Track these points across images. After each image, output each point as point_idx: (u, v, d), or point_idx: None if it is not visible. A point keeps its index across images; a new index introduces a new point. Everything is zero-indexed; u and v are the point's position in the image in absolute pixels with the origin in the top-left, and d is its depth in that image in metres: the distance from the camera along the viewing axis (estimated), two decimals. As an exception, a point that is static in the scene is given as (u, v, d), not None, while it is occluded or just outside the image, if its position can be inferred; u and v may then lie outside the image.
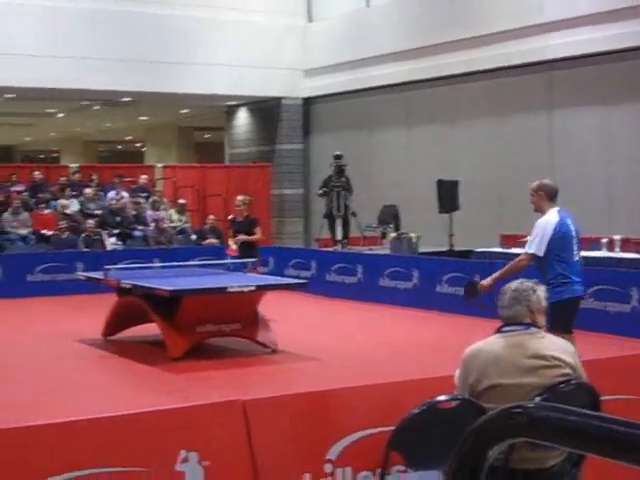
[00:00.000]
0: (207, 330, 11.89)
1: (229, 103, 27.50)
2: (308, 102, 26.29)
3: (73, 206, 22.08)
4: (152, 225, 21.63)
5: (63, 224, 20.57)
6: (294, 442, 5.55)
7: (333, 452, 5.58)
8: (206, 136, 39.61)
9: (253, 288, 11.81)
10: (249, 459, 5.34)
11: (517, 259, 9.02)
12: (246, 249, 15.16)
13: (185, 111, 31.97)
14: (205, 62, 24.13)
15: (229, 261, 14.61)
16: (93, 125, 38.30)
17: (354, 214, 20.02)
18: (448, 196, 18.72)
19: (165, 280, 12.57)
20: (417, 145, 22.85)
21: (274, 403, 5.75)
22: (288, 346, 12.11)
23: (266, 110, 26.56)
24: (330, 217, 20.20)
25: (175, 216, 22.74)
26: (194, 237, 21.87)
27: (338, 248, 19.70)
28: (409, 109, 23.06)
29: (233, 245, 15.31)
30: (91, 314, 14.37)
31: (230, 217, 16.15)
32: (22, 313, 16.56)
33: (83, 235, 20.43)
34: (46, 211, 21.44)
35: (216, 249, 19.26)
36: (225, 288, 11.72)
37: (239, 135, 27.96)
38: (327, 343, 11.19)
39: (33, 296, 18.16)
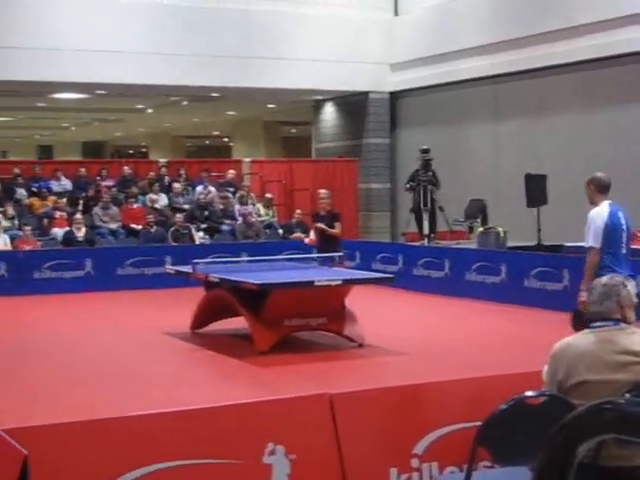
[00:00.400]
0: (294, 324, 11.92)
1: (316, 97, 27.55)
2: (395, 96, 26.21)
3: (162, 200, 22.34)
4: (240, 219, 21.77)
5: (152, 218, 20.81)
6: (381, 436, 5.55)
7: (419, 447, 5.56)
8: (293, 131, 39.73)
9: (340, 282, 11.81)
10: (336, 453, 5.36)
11: (588, 259, 9.01)
12: (326, 243, 15.16)
13: (272, 106, 32.10)
14: (292, 57, 24.19)
15: (316, 255, 14.63)
16: (181, 120, 38.66)
17: (441, 208, 19.91)
18: (536, 190, 18.52)
19: (253, 274, 12.63)
20: (505, 138, 22.65)
21: (361, 397, 5.75)
22: (375, 340, 12.10)
23: (353, 104, 26.55)
24: (417, 211, 20.12)
25: (262, 210, 22.87)
26: (281, 231, 21.97)
27: (425, 242, 19.61)
28: (497, 102, 22.86)
29: (312, 235, 15.34)
30: (179, 307, 14.51)
31: (314, 212, 16.15)
32: (111, 306, 16.80)
33: (172, 229, 20.65)
34: (135, 205, 21.72)
35: (303, 243, 19.33)
36: (312, 282, 11.73)
37: (326, 129, 27.99)
38: (414, 337, 11.15)
39: (122, 289, 18.41)
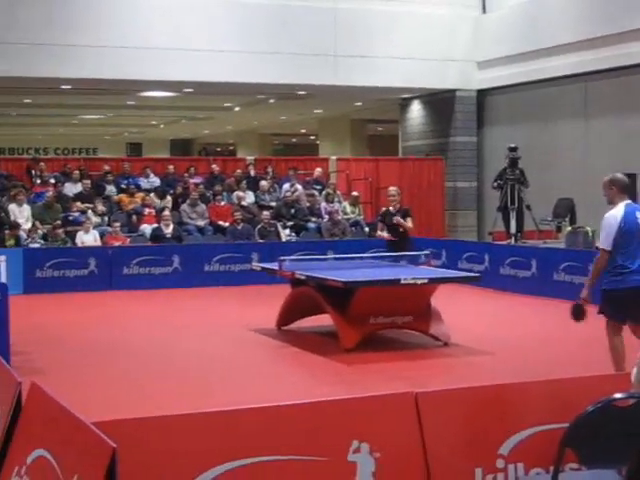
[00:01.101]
0: (380, 322, 11.93)
1: (403, 96, 27.48)
2: (482, 94, 26.03)
3: (249, 198, 22.49)
4: (326, 217, 21.83)
5: (239, 215, 20.96)
6: (466, 436, 5.52)
7: (505, 447, 5.52)
8: (379, 129, 39.68)
9: (426, 281, 11.78)
10: (420, 452, 5.34)
11: (596, 259, 9.17)
12: (400, 240, 15.09)
13: (359, 104, 32.09)
14: (380, 55, 24.15)
15: (402, 254, 14.58)
16: (268, 118, 38.85)
17: (528, 207, 19.73)
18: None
19: (339, 271, 12.65)
20: (594, 137, 22.34)
21: (446, 396, 5.73)
22: (460, 339, 12.05)
23: (440, 102, 26.43)
24: (504, 210, 19.97)
25: (349, 208, 22.89)
26: (367, 229, 21.96)
27: (512, 242, 19.46)
28: (587, 100, 22.56)
29: (382, 232, 15.24)
30: (265, 304, 14.61)
31: (383, 209, 16.05)
32: (198, 302, 16.96)
33: (258, 226, 20.78)
34: (222, 203, 21.89)
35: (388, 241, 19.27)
36: (398, 280, 11.72)
37: (413, 127, 27.90)
38: (500, 337, 11.08)
39: (209, 286, 18.60)
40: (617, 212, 8.98)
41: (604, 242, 8.95)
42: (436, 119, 26.79)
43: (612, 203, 9.16)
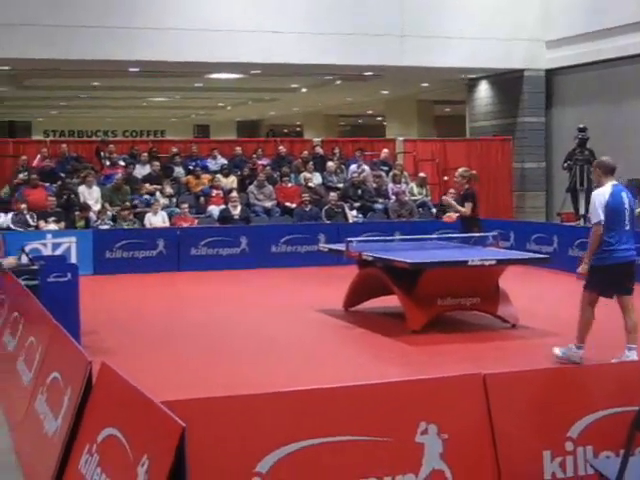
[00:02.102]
0: (447, 303, 11.89)
1: (470, 76, 27.28)
2: (550, 73, 25.72)
3: (316, 179, 22.50)
4: (393, 198, 21.78)
5: (306, 197, 20.98)
6: (534, 418, 5.49)
7: (574, 430, 5.48)
8: (446, 109, 39.45)
9: (494, 262, 11.71)
10: (489, 434, 5.32)
11: (591, 234, 9.66)
12: (464, 222, 14.97)
13: (426, 85, 31.93)
14: (447, 35, 23.97)
15: (469, 235, 14.50)
16: (335, 99, 38.80)
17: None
18: (698, 169, 17.98)
19: (406, 253, 12.62)
20: (666, 117, 22.00)
21: (515, 378, 5.70)
22: (529, 321, 11.98)
23: (508, 82, 26.17)
24: (573, 191, 19.78)
25: (416, 189, 22.80)
26: (434, 210, 21.86)
27: (581, 223, 19.27)
28: (659, 79, 22.21)
29: (452, 215, 15.09)
30: (332, 285, 14.63)
31: (451, 191, 15.91)
32: (266, 283, 17.03)
33: (325, 208, 20.79)
34: (289, 184, 21.93)
35: (456, 223, 19.16)
36: (466, 261, 11.67)
37: (480, 108, 27.69)
38: (569, 319, 10.95)
39: (277, 267, 18.67)
40: (604, 190, 9.56)
41: (595, 216, 9.50)
42: (504, 99, 26.55)
43: (599, 185, 9.79)
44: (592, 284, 9.65)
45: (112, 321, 12.88)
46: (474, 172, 15.73)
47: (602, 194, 9.56)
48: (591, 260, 9.57)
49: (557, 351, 9.95)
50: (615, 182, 9.71)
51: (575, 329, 9.94)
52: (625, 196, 9.65)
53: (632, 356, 9.55)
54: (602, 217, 9.45)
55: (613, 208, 9.49)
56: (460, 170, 15.45)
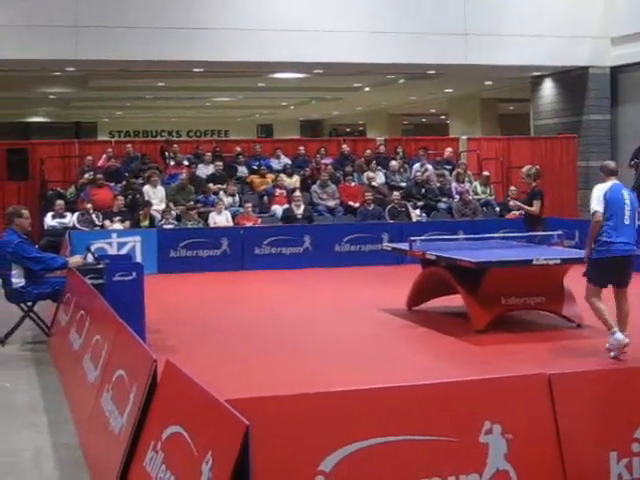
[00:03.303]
0: (511, 303, 11.81)
1: (534, 74, 27.08)
2: (616, 71, 25.44)
3: (379, 178, 22.48)
4: (456, 197, 21.69)
5: (369, 196, 20.97)
6: (600, 419, 5.43)
7: (641, 431, 5.43)
8: (510, 108, 39.22)
9: (558, 261, 11.62)
10: (554, 434, 5.28)
11: (592, 223, 10.19)
12: (529, 221, 14.88)
13: (489, 83, 31.77)
14: (510, 32, 23.82)
15: (533, 234, 14.40)
16: (398, 98, 38.73)
17: (663, 186, 19.28)
18: None
19: (470, 252, 12.56)
20: None
21: (580, 378, 5.64)
22: (594, 321, 11.83)
23: (572, 80, 25.95)
24: (639, 189, 19.53)
25: (479, 188, 22.68)
26: (498, 209, 21.73)
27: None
28: None
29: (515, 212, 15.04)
30: (396, 284, 14.60)
31: (511, 188, 15.81)
32: (329, 282, 17.04)
33: (389, 207, 20.77)
34: (353, 183, 21.92)
35: (520, 221, 19.01)
36: (530, 261, 11.60)
37: (544, 106, 27.47)
38: (635, 319, 10.83)
39: (340, 266, 18.67)
40: (604, 185, 10.20)
41: (597, 205, 10.04)
42: (568, 97, 26.31)
43: None
44: (590, 277, 10.15)
45: (176, 320, 12.97)
46: (538, 167, 15.66)
47: (602, 188, 10.17)
48: (592, 251, 10.05)
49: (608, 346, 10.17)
50: (617, 182, 10.30)
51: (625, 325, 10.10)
52: (626, 193, 10.23)
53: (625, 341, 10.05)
54: (599, 208, 9.99)
55: (612, 202, 10.00)
56: (525, 169, 15.39)
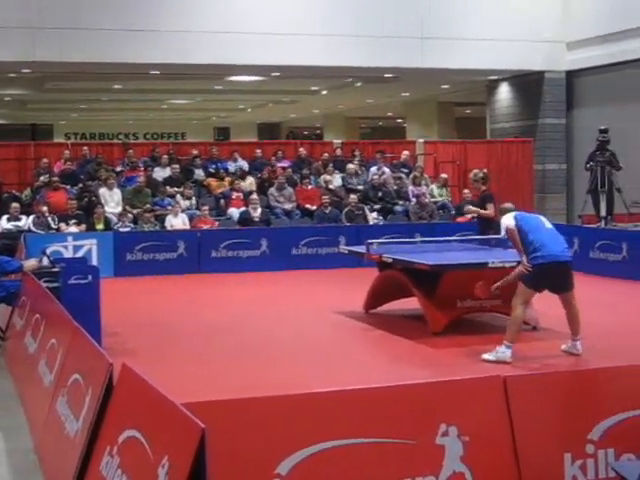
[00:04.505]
0: (468, 305, 11.87)
1: (490, 77, 27.24)
2: (571, 75, 25.66)
3: (336, 181, 22.50)
4: (413, 200, 21.75)
5: (326, 199, 20.99)
6: (555, 421, 5.48)
7: (595, 433, 5.47)
8: (467, 111, 39.41)
9: (514, 264, 11.66)
10: (509, 436, 5.32)
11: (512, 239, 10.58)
12: (482, 224, 14.96)
13: (446, 86, 31.90)
14: (466, 37, 23.96)
15: (491, 237, 14.48)
16: (355, 101, 38.80)
17: (619, 190, 19.45)
18: None
19: (426, 255, 12.60)
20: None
21: (535, 380, 5.69)
22: (549, 323, 11.94)
23: (528, 84, 26.13)
24: (594, 193, 19.72)
25: (436, 191, 22.76)
26: (454, 212, 21.83)
27: (602, 225, 19.20)
28: (679, 81, 22.10)
29: (467, 215, 15.10)
30: (353, 287, 14.62)
31: (465, 191, 15.90)
32: (286, 285, 17.04)
33: (346, 210, 20.79)
34: (309, 186, 21.93)
35: (475, 224, 19.10)
36: (486, 263, 11.65)
37: (500, 110, 27.65)
38: (590, 321, 10.92)
39: (297, 269, 18.67)
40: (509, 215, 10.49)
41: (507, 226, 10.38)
42: (524, 101, 26.50)
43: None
44: (528, 281, 10.20)
45: (133, 323, 12.91)
46: (485, 171, 15.77)
47: (508, 216, 10.43)
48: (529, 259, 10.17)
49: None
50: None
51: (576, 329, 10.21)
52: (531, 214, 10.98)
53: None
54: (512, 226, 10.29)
55: (523, 219, 10.36)
56: (472, 173, 15.50)
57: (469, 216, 14.93)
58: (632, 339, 11.40)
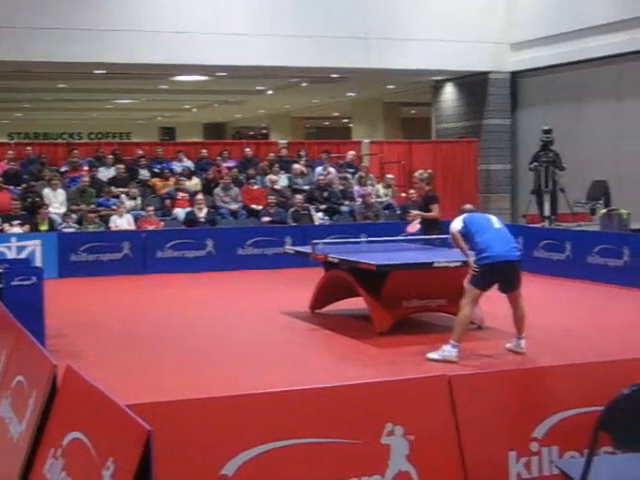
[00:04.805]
0: (413, 305, 11.92)
1: (436, 78, 27.38)
2: (516, 76, 25.87)
3: (282, 181, 22.49)
4: (359, 200, 21.80)
5: (272, 199, 20.98)
6: (500, 419, 5.51)
7: (539, 431, 5.51)
8: (412, 112, 39.58)
9: (459, 264, 11.73)
10: (454, 435, 5.34)
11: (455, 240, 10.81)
12: (428, 227, 14.99)
13: (391, 87, 32.01)
14: (412, 37, 24.06)
15: (434, 237, 14.53)
16: (301, 102, 38.83)
17: (562, 190, 19.63)
18: (661, 171, 18.10)
19: (372, 255, 12.64)
20: (629, 119, 22.15)
21: (480, 379, 5.72)
22: (494, 322, 12.02)
23: (473, 85, 26.30)
24: (538, 193, 19.88)
25: (382, 191, 22.84)
26: (399, 212, 21.89)
27: (546, 224, 19.37)
28: (621, 82, 22.36)
29: (415, 224, 15.10)
30: (299, 287, 14.63)
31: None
32: (232, 286, 17.01)
33: (291, 210, 20.79)
34: (255, 186, 21.90)
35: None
36: (431, 263, 11.71)
37: (446, 110, 27.80)
38: (534, 320, 11.02)
39: (243, 269, 18.66)
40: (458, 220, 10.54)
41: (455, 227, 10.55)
42: (469, 101, 26.67)
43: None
44: (476, 281, 10.30)
45: (78, 324, 12.81)
46: (430, 172, 15.79)
47: (459, 218, 10.53)
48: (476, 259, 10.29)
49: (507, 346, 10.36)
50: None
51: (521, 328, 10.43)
52: (481, 215, 10.96)
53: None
54: (459, 228, 10.43)
55: (472, 220, 10.45)
56: (417, 173, 15.52)
57: (417, 226, 14.91)
58: (575, 338, 11.52)
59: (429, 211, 14.80)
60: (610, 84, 22.60)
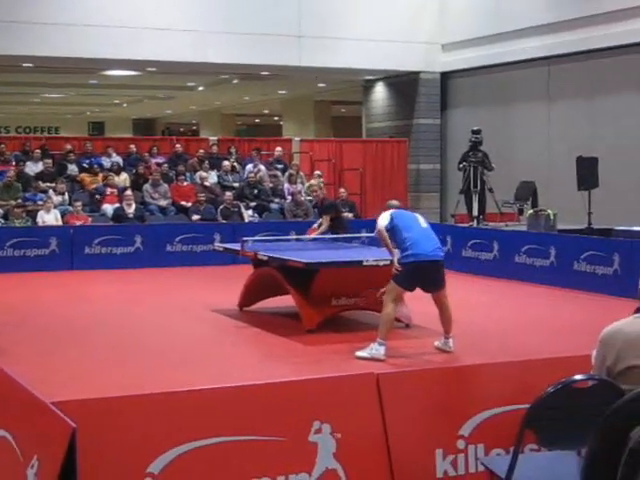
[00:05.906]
0: (342, 303, 11.94)
1: (366, 77, 27.47)
2: (446, 76, 26.04)
3: (211, 178, 22.40)
4: (289, 198, 21.80)
5: (202, 196, 20.90)
6: (427, 417, 5.54)
7: (466, 428, 5.55)
8: (343, 110, 39.68)
9: (388, 262, 11.77)
10: (381, 432, 5.36)
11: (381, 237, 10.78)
12: (336, 228, 14.89)
13: (322, 85, 32.06)
14: (343, 36, 24.11)
15: (366, 235, 14.56)
16: (232, 98, 38.73)
17: (491, 190, 19.80)
18: (587, 173, 18.32)
19: (301, 252, 12.64)
20: (557, 120, 22.43)
21: (407, 377, 5.75)
22: (422, 321, 12.09)
23: (403, 84, 26.43)
24: (466, 192, 20.03)
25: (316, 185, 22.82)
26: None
27: (474, 224, 19.52)
28: (550, 84, 22.63)
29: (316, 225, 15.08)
30: (227, 285, 14.58)
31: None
32: (160, 282, 16.91)
33: (221, 207, 20.72)
34: (185, 183, 21.79)
35: (351, 223, 19.17)
36: (361, 261, 11.74)
37: (376, 109, 27.89)
38: (461, 319, 11.11)
39: (171, 266, 18.56)
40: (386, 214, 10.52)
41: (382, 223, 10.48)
42: (400, 101, 26.79)
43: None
44: (400, 280, 10.31)
45: (3, 320, 12.63)
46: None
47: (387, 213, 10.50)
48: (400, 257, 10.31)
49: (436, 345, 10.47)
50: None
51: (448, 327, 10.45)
52: (408, 213, 10.97)
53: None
54: (385, 223, 10.38)
55: (398, 217, 10.45)
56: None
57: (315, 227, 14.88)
58: (502, 337, 11.62)
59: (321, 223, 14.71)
60: (539, 86, 22.85)
